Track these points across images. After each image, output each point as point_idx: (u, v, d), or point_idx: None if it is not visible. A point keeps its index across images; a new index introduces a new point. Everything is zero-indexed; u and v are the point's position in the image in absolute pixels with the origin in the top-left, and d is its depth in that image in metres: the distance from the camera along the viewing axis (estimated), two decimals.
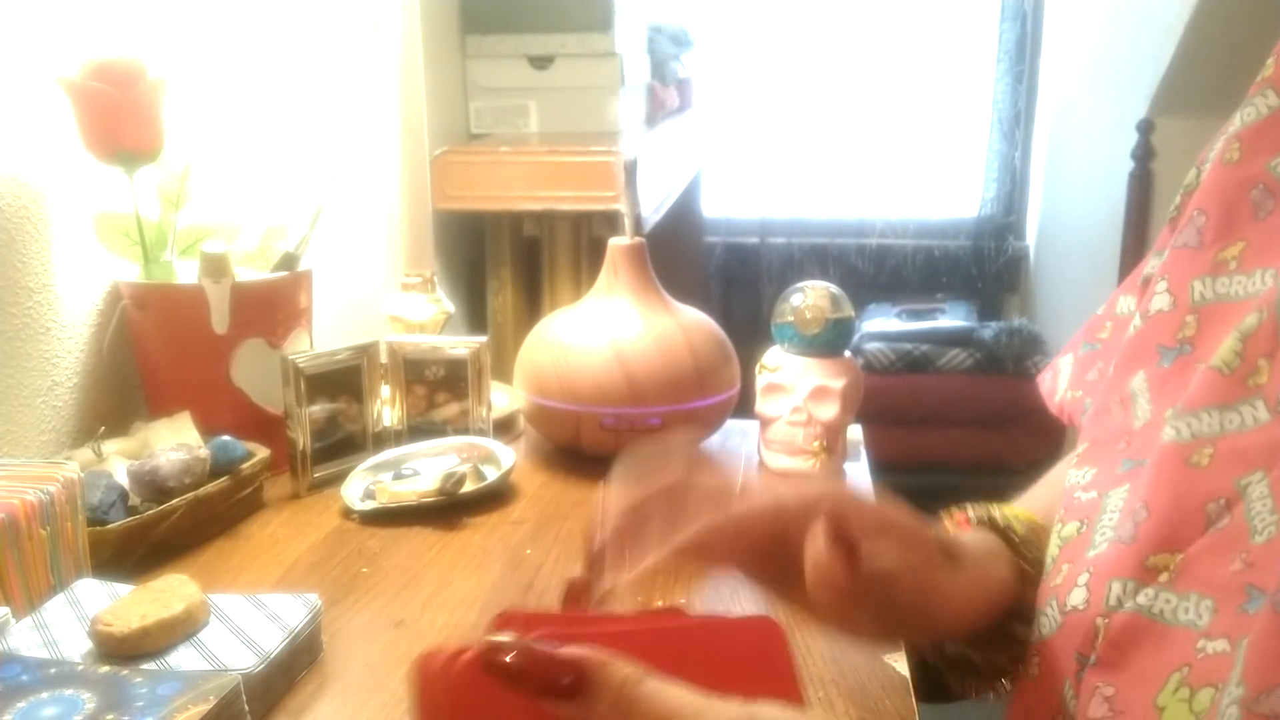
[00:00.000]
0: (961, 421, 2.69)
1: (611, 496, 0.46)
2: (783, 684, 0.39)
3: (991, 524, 0.54)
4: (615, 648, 0.35)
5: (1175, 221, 0.51)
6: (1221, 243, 0.46)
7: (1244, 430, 0.39)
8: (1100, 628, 0.40)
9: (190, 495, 0.79)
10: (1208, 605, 0.36)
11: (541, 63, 1.73)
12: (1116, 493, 0.45)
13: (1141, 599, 0.39)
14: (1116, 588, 0.40)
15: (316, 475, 0.92)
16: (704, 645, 0.39)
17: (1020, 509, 0.55)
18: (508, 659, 0.33)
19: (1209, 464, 0.39)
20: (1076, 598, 0.42)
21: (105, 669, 0.54)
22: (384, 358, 0.99)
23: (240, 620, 0.61)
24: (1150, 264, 0.53)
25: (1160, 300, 0.48)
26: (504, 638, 0.33)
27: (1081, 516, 0.46)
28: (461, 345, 1.00)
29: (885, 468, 1.03)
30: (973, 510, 0.55)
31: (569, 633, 0.36)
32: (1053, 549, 0.47)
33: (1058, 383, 0.63)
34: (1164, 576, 0.39)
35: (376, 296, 1.30)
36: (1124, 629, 0.39)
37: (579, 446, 0.97)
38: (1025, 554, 0.51)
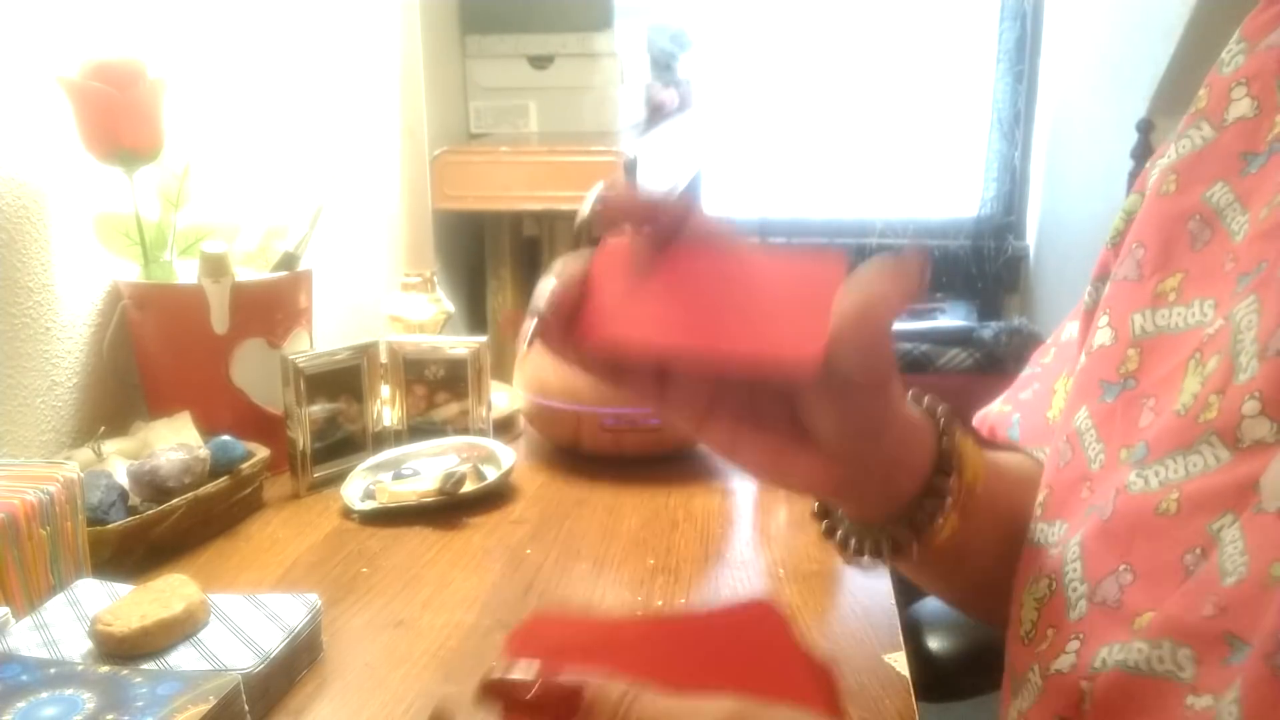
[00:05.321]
0: (961, 421, 2.68)
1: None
2: (790, 665, 0.40)
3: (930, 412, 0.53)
4: (629, 654, 0.37)
5: (1117, 248, 0.51)
6: (1160, 274, 0.46)
7: (1208, 471, 0.38)
8: (1086, 691, 0.39)
9: (190, 495, 0.79)
10: (1186, 654, 0.36)
11: (541, 63, 1.73)
12: (1074, 540, 0.44)
13: (1120, 653, 0.38)
14: (1104, 652, 0.39)
15: (316, 475, 0.92)
16: (709, 640, 0.40)
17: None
18: (526, 696, 0.34)
19: (1177, 510, 0.39)
20: (1063, 663, 0.41)
21: (105, 669, 0.54)
22: (384, 358, 0.99)
23: (240, 620, 0.61)
24: (1092, 290, 0.53)
25: (1102, 335, 0.48)
26: (519, 675, 0.35)
27: (1050, 572, 0.45)
28: (461, 345, 1.00)
29: None
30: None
31: (581, 646, 0.38)
32: (1030, 611, 0.46)
33: (991, 403, 0.63)
34: (1137, 624, 0.38)
35: (376, 296, 1.30)
36: (1110, 688, 0.38)
37: (579, 446, 0.97)
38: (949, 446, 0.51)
